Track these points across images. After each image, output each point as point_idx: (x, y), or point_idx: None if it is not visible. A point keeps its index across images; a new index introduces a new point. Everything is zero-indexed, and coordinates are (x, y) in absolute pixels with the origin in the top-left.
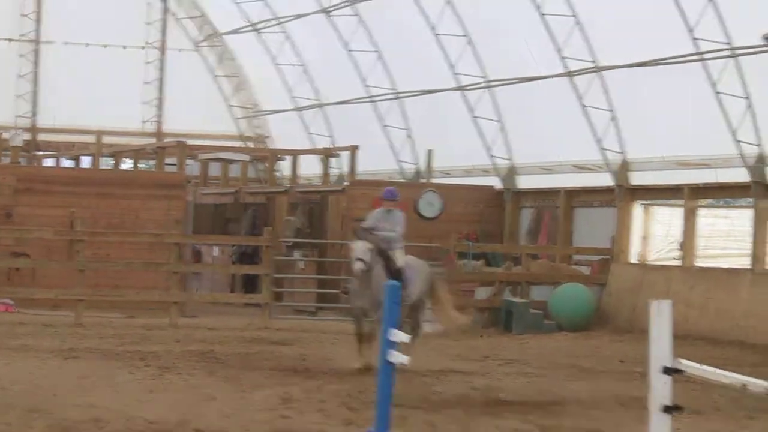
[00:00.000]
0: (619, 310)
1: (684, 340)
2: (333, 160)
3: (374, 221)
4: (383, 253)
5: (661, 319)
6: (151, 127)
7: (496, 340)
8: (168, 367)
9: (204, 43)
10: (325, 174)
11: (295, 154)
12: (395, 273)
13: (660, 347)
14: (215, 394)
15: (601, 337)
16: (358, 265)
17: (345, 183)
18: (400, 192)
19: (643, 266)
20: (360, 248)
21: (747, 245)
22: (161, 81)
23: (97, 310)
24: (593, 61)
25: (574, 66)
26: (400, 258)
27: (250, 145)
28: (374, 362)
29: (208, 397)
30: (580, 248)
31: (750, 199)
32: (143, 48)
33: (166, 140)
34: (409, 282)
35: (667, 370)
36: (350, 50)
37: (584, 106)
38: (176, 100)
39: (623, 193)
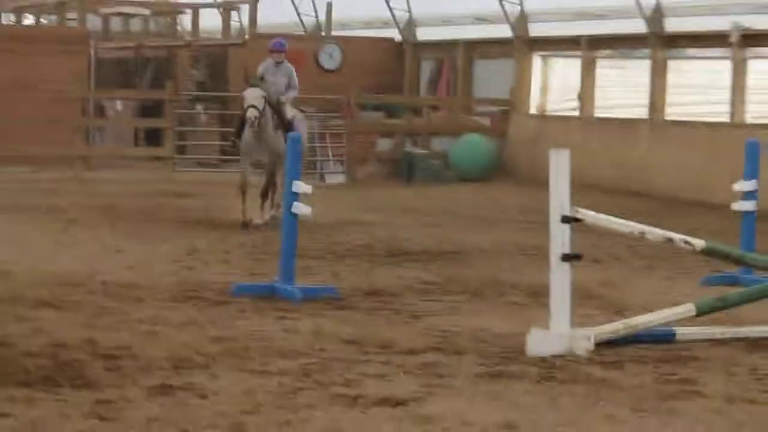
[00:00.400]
0: (519, 160)
1: (582, 190)
2: (233, 14)
3: (263, 72)
4: (273, 104)
5: (559, 168)
6: None
7: (397, 191)
8: (74, 221)
9: None
10: (226, 28)
11: (195, 7)
12: (286, 125)
13: (559, 197)
14: (121, 247)
15: (500, 188)
16: (251, 112)
17: (245, 36)
18: (301, 45)
19: (541, 117)
20: (252, 95)
21: (644, 96)
22: None
23: (1, 165)
24: None
25: None
26: (290, 110)
27: None
28: (264, 216)
29: (114, 250)
30: (479, 99)
31: (647, 50)
32: None
33: None
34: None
35: (566, 219)
36: None
37: None
38: None
39: (522, 45)
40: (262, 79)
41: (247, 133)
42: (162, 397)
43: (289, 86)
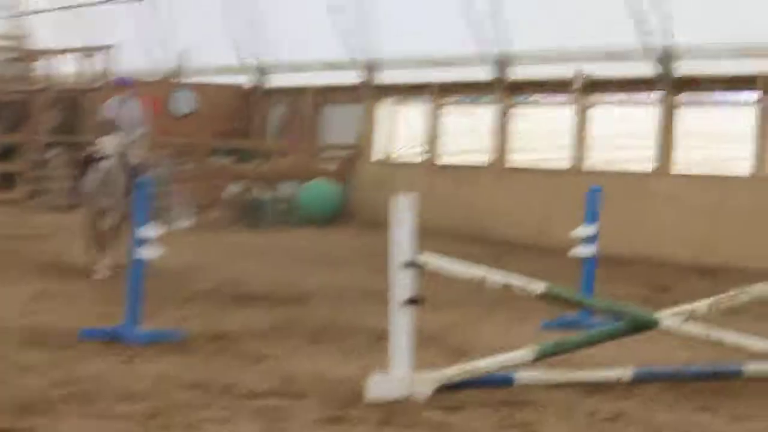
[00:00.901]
0: (365, 205)
1: (427, 234)
2: (90, 60)
3: (110, 112)
4: (121, 147)
5: (402, 213)
6: None
7: (245, 235)
8: None
9: None
10: (82, 73)
11: (53, 53)
12: (132, 170)
13: (402, 241)
14: None
15: (347, 232)
16: (106, 164)
17: (101, 82)
18: (155, 90)
19: (388, 163)
20: (110, 143)
21: (490, 142)
22: None
23: None
24: None
25: None
26: (138, 152)
27: (9, 43)
28: (115, 261)
29: None
30: (327, 145)
31: (493, 97)
32: None
33: None
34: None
35: (408, 264)
36: None
37: (333, 4)
38: None
39: (370, 91)
40: (113, 123)
41: (92, 178)
42: None
43: (135, 124)
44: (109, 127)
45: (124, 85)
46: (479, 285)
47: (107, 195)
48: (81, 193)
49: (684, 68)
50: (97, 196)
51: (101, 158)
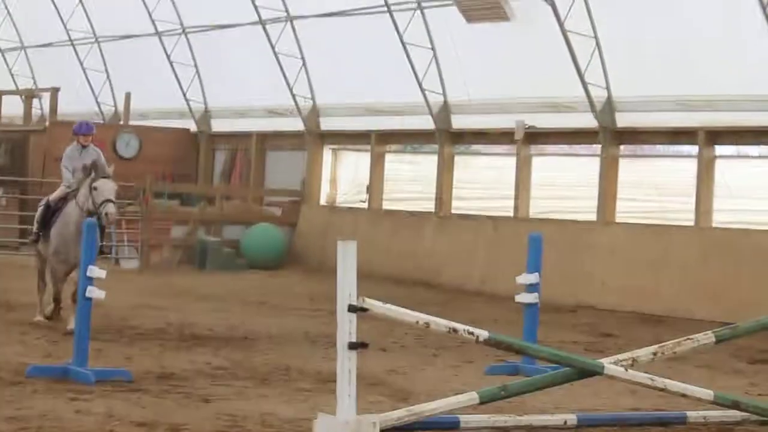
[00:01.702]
0: (309, 250)
1: (371, 280)
2: (35, 101)
3: (70, 160)
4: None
5: (346, 258)
6: None
7: (191, 277)
8: None
9: None
10: (28, 114)
11: None
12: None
13: (346, 286)
14: None
15: (291, 276)
16: (111, 208)
17: (46, 123)
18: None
19: (331, 208)
20: (109, 187)
21: (432, 189)
22: None
23: None
24: (285, 10)
25: (266, 15)
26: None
27: None
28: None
29: None
30: (271, 190)
31: (435, 146)
32: None
33: None
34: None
35: (353, 308)
36: None
37: (276, 53)
38: None
39: (313, 138)
40: (94, 168)
41: (63, 227)
42: None
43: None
44: (99, 171)
45: (87, 132)
46: (424, 330)
47: (76, 247)
48: (43, 239)
49: (625, 120)
50: (69, 247)
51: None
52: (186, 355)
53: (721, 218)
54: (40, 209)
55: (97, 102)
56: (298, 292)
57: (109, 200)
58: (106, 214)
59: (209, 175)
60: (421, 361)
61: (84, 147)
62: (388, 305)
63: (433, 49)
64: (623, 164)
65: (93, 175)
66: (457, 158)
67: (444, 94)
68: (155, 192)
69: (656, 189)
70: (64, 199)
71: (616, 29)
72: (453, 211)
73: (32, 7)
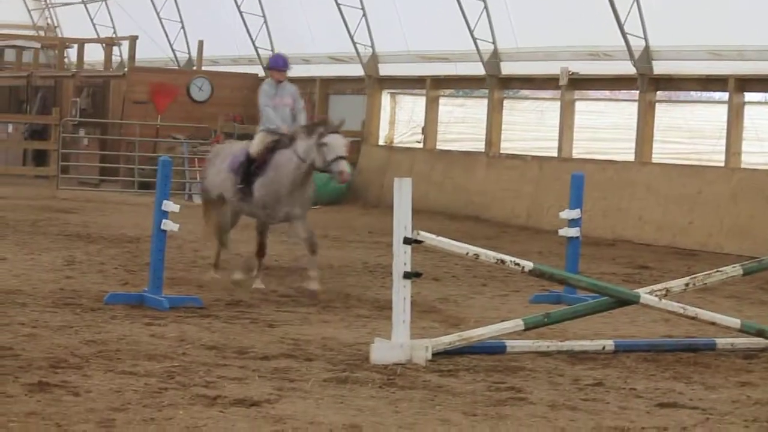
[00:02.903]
0: (369, 187)
1: (426, 215)
2: (115, 49)
3: (269, 98)
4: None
5: (402, 194)
6: None
7: None
8: None
9: None
10: (108, 61)
11: (81, 42)
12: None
13: (401, 219)
14: (6, 256)
15: (351, 211)
16: (344, 166)
17: (125, 69)
18: (175, 78)
19: (389, 148)
20: (341, 143)
21: (482, 131)
22: None
23: None
24: None
25: None
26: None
27: (42, 33)
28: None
29: (0, 258)
30: None
31: (485, 90)
32: None
33: None
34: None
35: (408, 240)
36: None
37: (338, 3)
38: None
39: (372, 83)
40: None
41: (275, 179)
42: (39, 393)
43: (295, 110)
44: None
45: (283, 67)
46: (473, 261)
47: (292, 202)
48: (245, 199)
49: (661, 68)
50: (279, 204)
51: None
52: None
53: (749, 160)
54: (239, 161)
55: (173, 49)
56: (357, 226)
57: (341, 157)
58: (340, 172)
59: None
60: (471, 290)
61: (279, 82)
62: (440, 238)
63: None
64: (659, 109)
65: (321, 129)
66: (505, 102)
67: (494, 42)
68: (225, 132)
69: (689, 132)
70: (270, 150)
71: None
72: (501, 152)
73: None
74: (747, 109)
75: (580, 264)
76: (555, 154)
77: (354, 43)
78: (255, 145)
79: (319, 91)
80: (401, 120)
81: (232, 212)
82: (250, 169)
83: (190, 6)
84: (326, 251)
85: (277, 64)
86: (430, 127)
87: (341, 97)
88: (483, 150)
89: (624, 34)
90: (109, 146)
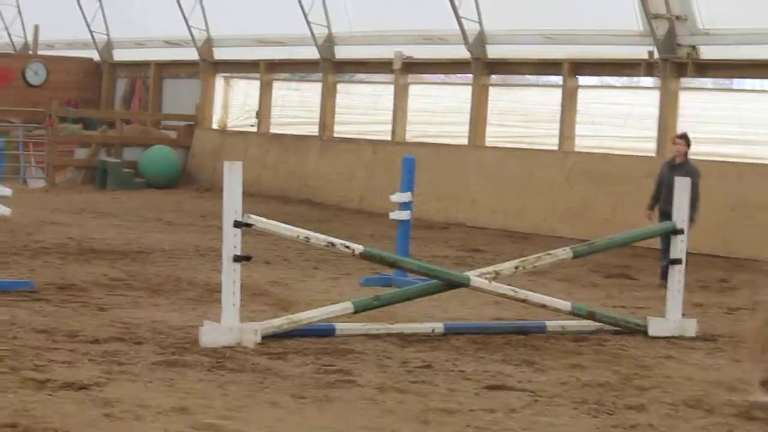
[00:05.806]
0: (202, 170)
1: (259, 198)
2: None
3: None
4: None
5: (232, 177)
6: None
7: (92, 195)
8: None
9: None
10: None
11: None
12: None
13: (231, 203)
14: None
15: (185, 194)
16: None
17: None
18: (10, 62)
19: (223, 132)
20: None
21: (316, 115)
22: None
23: None
24: None
25: None
26: None
27: None
28: None
29: None
30: (167, 115)
31: (319, 74)
32: None
33: None
34: None
35: (238, 224)
36: None
37: None
38: None
39: (207, 67)
40: None
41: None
42: None
43: None
44: None
45: None
46: (305, 244)
47: None
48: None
49: (496, 52)
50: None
51: None
52: (85, 268)
53: (582, 143)
54: None
55: (8, 33)
56: (190, 210)
57: None
58: None
59: (111, 101)
60: (302, 273)
61: None
62: (271, 221)
63: None
64: (493, 93)
65: None
66: (339, 86)
67: (328, 26)
68: (60, 117)
69: (524, 116)
70: None
71: None
72: (335, 135)
73: None
74: (581, 92)
75: (412, 247)
76: (389, 138)
77: (189, 27)
78: None
79: (154, 75)
80: (235, 104)
81: None
82: None
83: None
84: (159, 234)
85: None
86: (264, 111)
87: (175, 80)
88: (317, 134)
89: (458, 18)
90: None
